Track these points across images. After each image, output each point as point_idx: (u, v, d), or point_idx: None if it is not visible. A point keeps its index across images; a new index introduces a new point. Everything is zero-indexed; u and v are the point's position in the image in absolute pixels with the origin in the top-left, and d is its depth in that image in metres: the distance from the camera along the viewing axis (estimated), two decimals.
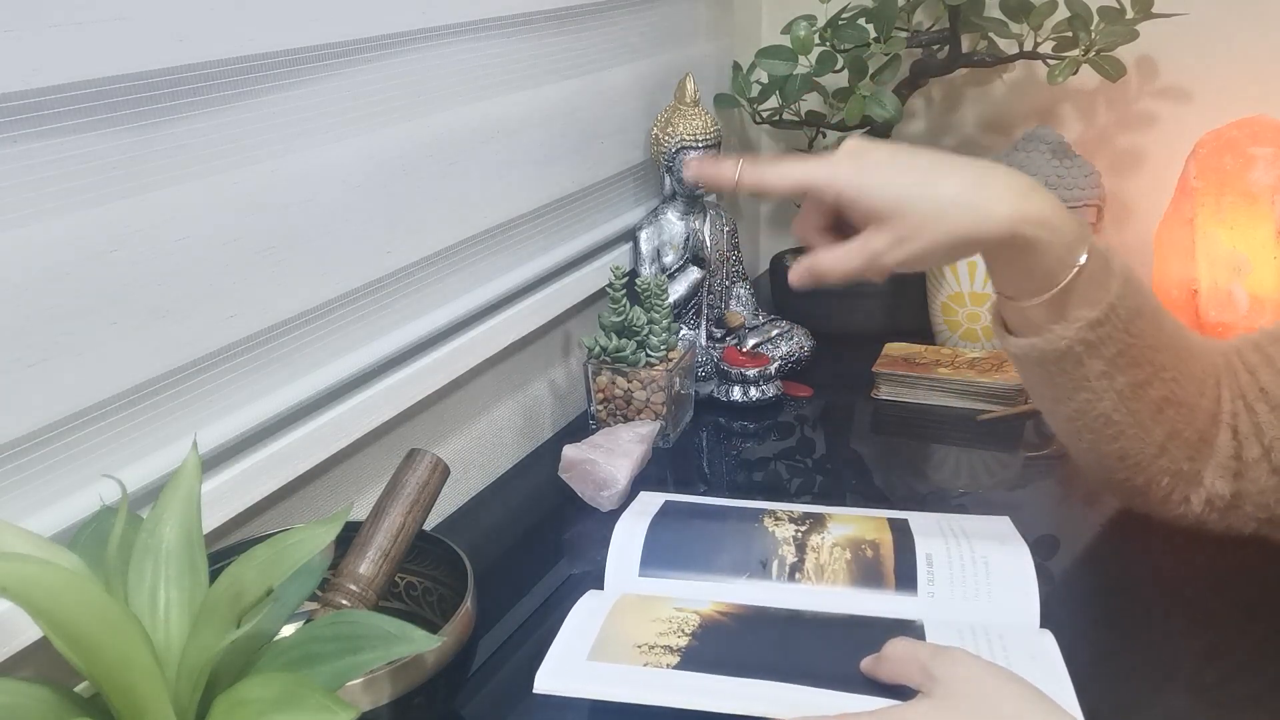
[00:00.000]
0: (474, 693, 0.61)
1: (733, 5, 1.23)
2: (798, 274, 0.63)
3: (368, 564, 0.59)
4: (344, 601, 0.58)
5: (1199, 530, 0.67)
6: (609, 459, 0.80)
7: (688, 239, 1.02)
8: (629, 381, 0.90)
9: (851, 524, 0.69)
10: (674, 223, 1.02)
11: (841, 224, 0.64)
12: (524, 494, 0.86)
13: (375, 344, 0.74)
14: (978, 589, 0.63)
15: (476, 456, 0.89)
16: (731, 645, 0.59)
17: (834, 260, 0.61)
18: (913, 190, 0.59)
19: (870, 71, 1.06)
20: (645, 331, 0.90)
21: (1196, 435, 0.64)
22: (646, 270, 1.01)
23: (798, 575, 0.65)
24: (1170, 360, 0.63)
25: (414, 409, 0.79)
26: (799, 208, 0.65)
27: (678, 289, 1.02)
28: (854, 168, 0.60)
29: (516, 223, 0.88)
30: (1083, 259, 0.59)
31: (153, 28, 0.55)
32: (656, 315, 0.90)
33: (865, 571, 0.65)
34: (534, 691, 0.56)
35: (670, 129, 0.99)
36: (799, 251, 1.25)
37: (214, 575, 0.44)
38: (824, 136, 1.19)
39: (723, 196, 1.29)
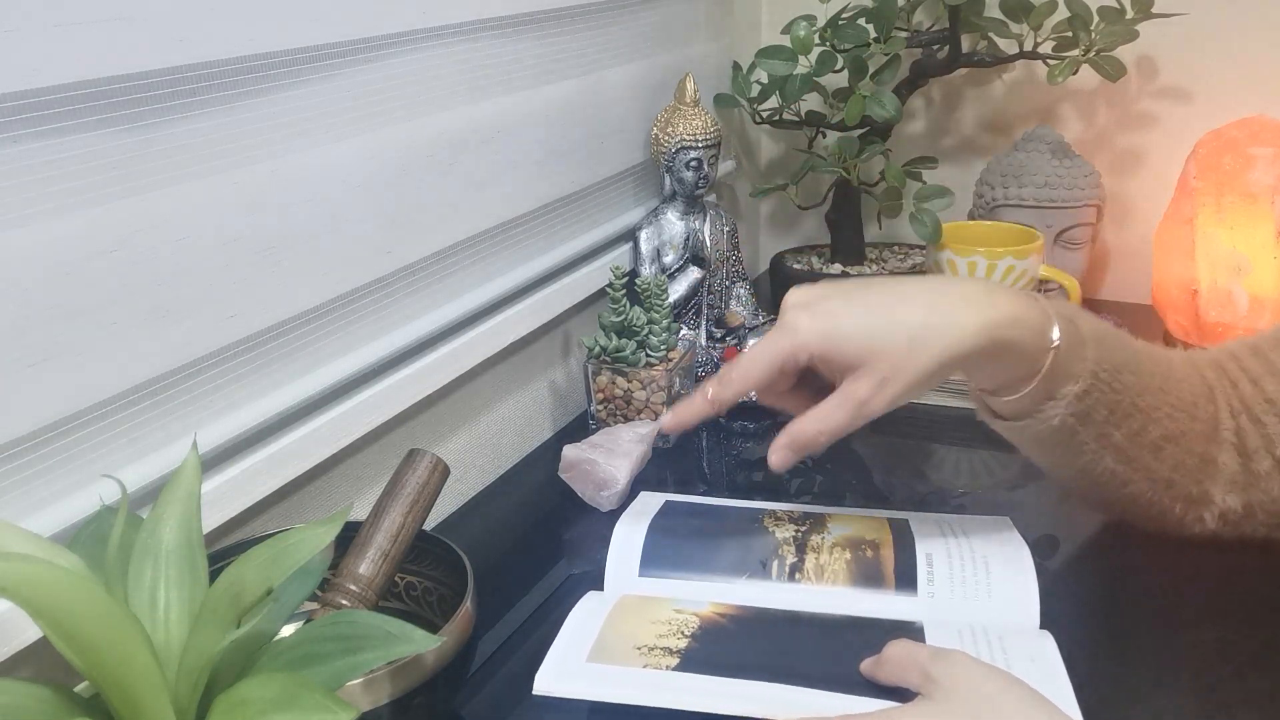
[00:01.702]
0: (474, 693, 0.61)
1: (733, 5, 1.23)
2: (781, 456, 0.60)
3: (368, 564, 0.59)
4: (344, 601, 0.58)
5: (1212, 541, 0.67)
6: (609, 459, 0.80)
7: (688, 239, 1.02)
8: (629, 381, 0.90)
9: (851, 524, 0.69)
10: (674, 223, 1.02)
11: (806, 379, 0.63)
12: (524, 494, 0.86)
13: (375, 344, 0.74)
14: (978, 589, 0.63)
15: (476, 456, 0.89)
16: (731, 647, 0.59)
17: (820, 422, 0.59)
18: (882, 328, 0.58)
19: (870, 71, 1.06)
20: (645, 331, 0.90)
21: (1198, 459, 0.64)
22: (646, 270, 1.01)
23: (798, 575, 0.65)
24: (1158, 400, 0.63)
25: (414, 409, 0.79)
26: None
27: (678, 289, 1.02)
28: (815, 324, 0.58)
29: (516, 223, 0.88)
30: (1056, 337, 0.59)
31: (153, 28, 0.55)
32: (656, 315, 0.90)
33: (865, 572, 0.65)
34: (533, 693, 0.56)
35: (670, 129, 0.99)
36: (799, 251, 1.25)
37: (214, 575, 0.44)
38: (824, 136, 1.19)
39: (722, 196, 1.29)
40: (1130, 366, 0.62)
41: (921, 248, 1.23)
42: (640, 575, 0.67)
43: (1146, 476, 0.64)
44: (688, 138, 0.98)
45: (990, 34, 1.09)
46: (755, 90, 1.14)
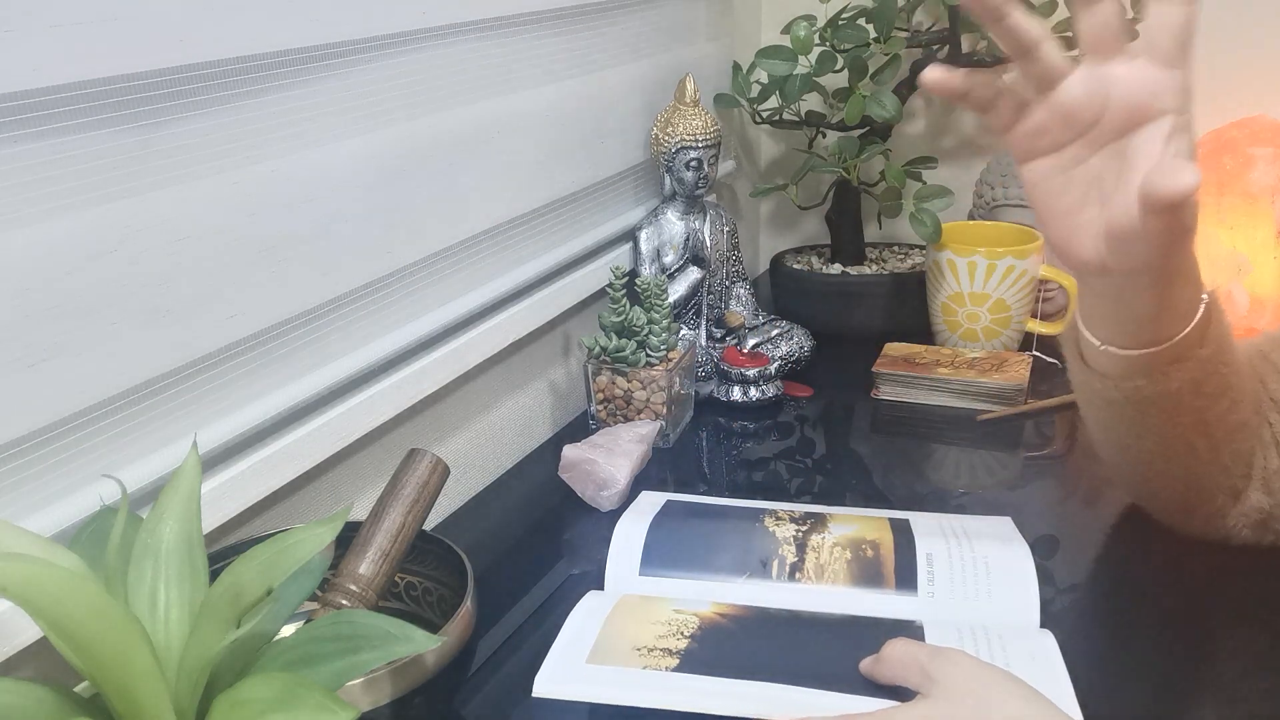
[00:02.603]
0: (474, 693, 0.61)
1: (733, 5, 1.23)
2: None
3: (368, 564, 0.59)
4: (344, 601, 0.58)
5: (1223, 543, 0.67)
6: (609, 459, 0.80)
7: (688, 239, 1.02)
8: (629, 381, 0.90)
9: (852, 524, 0.69)
10: (674, 223, 1.02)
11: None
12: (524, 494, 0.86)
13: (375, 344, 0.74)
14: (978, 589, 0.63)
15: (476, 456, 0.89)
16: (730, 647, 0.59)
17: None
18: None
19: (870, 71, 1.06)
20: (645, 331, 0.90)
21: (1249, 451, 0.64)
22: (646, 270, 1.01)
23: (798, 575, 0.65)
24: (1242, 384, 0.62)
25: (414, 409, 0.79)
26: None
27: (678, 289, 1.02)
28: None
29: (516, 223, 0.88)
30: (1205, 295, 0.58)
31: (153, 28, 0.55)
32: (656, 315, 0.90)
33: (865, 571, 0.65)
34: (533, 695, 0.56)
35: (670, 129, 0.99)
36: (799, 251, 1.25)
37: (214, 575, 0.44)
38: (824, 136, 1.19)
39: (722, 196, 1.29)
40: (1229, 343, 0.61)
41: (921, 248, 1.23)
42: (641, 574, 0.67)
43: (1214, 459, 0.63)
44: (688, 138, 0.98)
45: (990, 34, 1.09)
46: (755, 90, 1.14)
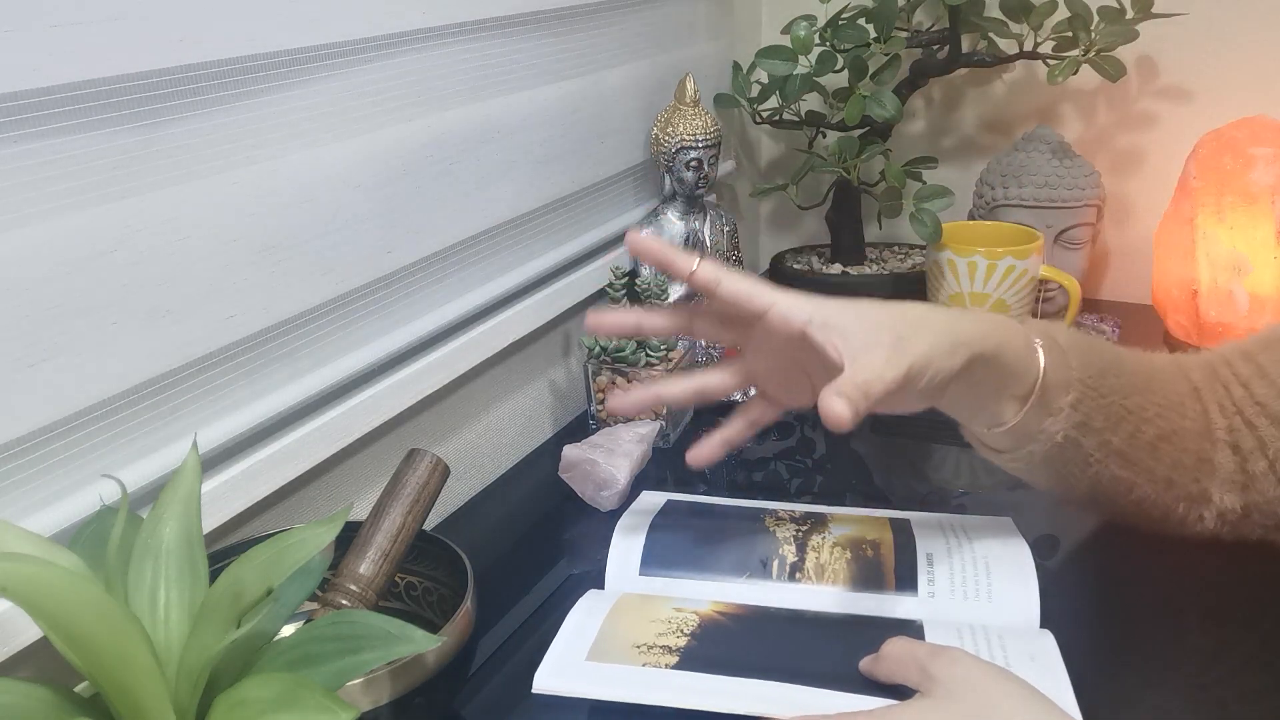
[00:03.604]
0: (474, 693, 0.61)
1: (733, 5, 1.23)
2: (841, 406, 0.53)
3: (368, 564, 0.59)
4: (344, 601, 0.58)
5: (1212, 542, 0.67)
6: (609, 459, 0.80)
7: (688, 239, 1.02)
8: (629, 381, 0.90)
9: (852, 524, 0.69)
10: (674, 223, 1.02)
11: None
12: (524, 494, 0.86)
13: (375, 344, 0.74)
14: (978, 589, 0.63)
15: (476, 456, 0.89)
16: (730, 645, 0.59)
17: (867, 370, 0.54)
18: (885, 315, 0.58)
19: (870, 71, 1.06)
20: None
21: (1194, 457, 0.64)
22: (646, 270, 1.01)
23: (798, 575, 0.65)
24: (1145, 400, 0.63)
25: (414, 409, 0.79)
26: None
27: (678, 289, 1.02)
28: (820, 307, 0.58)
29: (516, 223, 0.88)
30: (1038, 344, 0.60)
31: (153, 28, 0.55)
32: None
33: (865, 571, 0.65)
34: (533, 691, 0.56)
35: (670, 129, 0.99)
36: (799, 251, 1.25)
37: (214, 575, 0.44)
38: (824, 136, 1.19)
39: (722, 196, 1.29)
40: (1112, 370, 0.63)
41: (921, 248, 1.23)
42: (641, 574, 0.67)
43: (1149, 479, 0.64)
44: (688, 138, 0.98)
45: (990, 34, 1.09)
46: (755, 90, 1.14)
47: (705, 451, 0.65)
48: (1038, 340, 0.61)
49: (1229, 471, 0.64)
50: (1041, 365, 0.60)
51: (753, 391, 0.70)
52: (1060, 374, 0.60)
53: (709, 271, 0.60)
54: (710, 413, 0.96)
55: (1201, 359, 0.68)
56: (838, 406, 0.52)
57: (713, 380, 0.65)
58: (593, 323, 0.64)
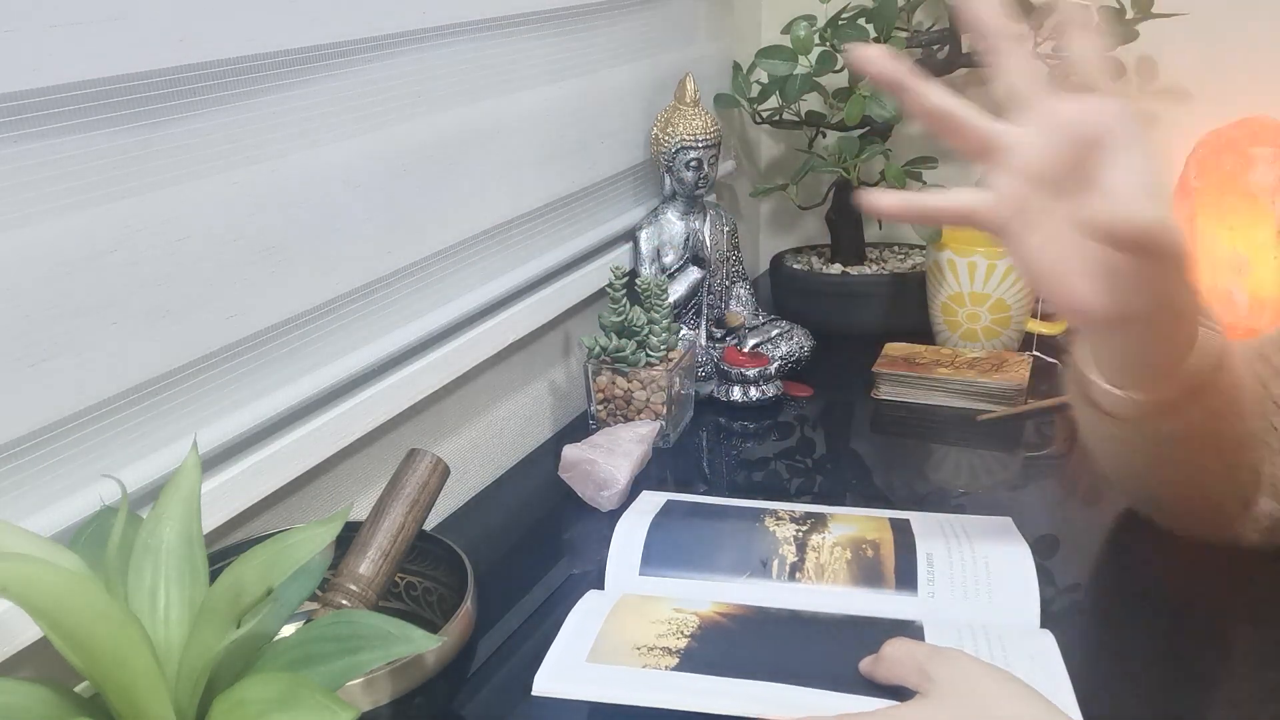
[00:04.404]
0: (474, 693, 0.61)
1: (733, 5, 1.23)
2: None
3: (368, 564, 0.59)
4: (344, 601, 0.58)
5: (1232, 547, 0.67)
6: (609, 459, 0.80)
7: (688, 239, 1.02)
8: (629, 381, 0.90)
9: (852, 524, 0.69)
10: (674, 223, 1.02)
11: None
12: (524, 494, 0.86)
13: (375, 344, 0.74)
14: (978, 589, 0.63)
15: (476, 456, 0.89)
16: (730, 646, 0.59)
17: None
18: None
19: None
20: (645, 331, 0.90)
21: (1258, 458, 0.64)
22: (646, 270, 1.01)
23: (798, 575, 0.65)
24: (1244, 394, 0.61)
25: (414, 409, 0.79)
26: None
27: (678, 289, 1.02)
28: None
29: (516, 223, 0.88)
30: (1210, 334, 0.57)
31: (153, 28, 0.55)
32: (656, 315, 0.90)
33: (865, 571, 0.65)
34: (533, 694, 0.56)
35: (670, 129, 0.99)
36: (799, 251, 1.25)
37: (214, 575, 0.44)
38: (824, 136, 1.19)
39: (722, 196, 1.29)
40: (1234, 358, 0.60)
41: (921, 248, 1.23)
42: (641, 574, 0.67)
43: (1228, 475, 0.62)
44: (688, 138, 0.98)
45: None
46: (755, 90, 1.14)
47: (888, 198, 0.54)
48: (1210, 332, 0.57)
49: (1268, 474, 0.64)
50: (1214, 333, 0.57)
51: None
52: (1219, 352, 0.57)
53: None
54: (711, 413, 0.97)
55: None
56: (1123, 211, 0.47)
57: (965, 197, 0.54)
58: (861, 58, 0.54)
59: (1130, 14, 1.01)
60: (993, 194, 0.53)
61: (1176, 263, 0.50)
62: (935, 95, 0.54)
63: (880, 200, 0.53)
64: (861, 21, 1.06)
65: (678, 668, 0.57)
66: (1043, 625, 0.61)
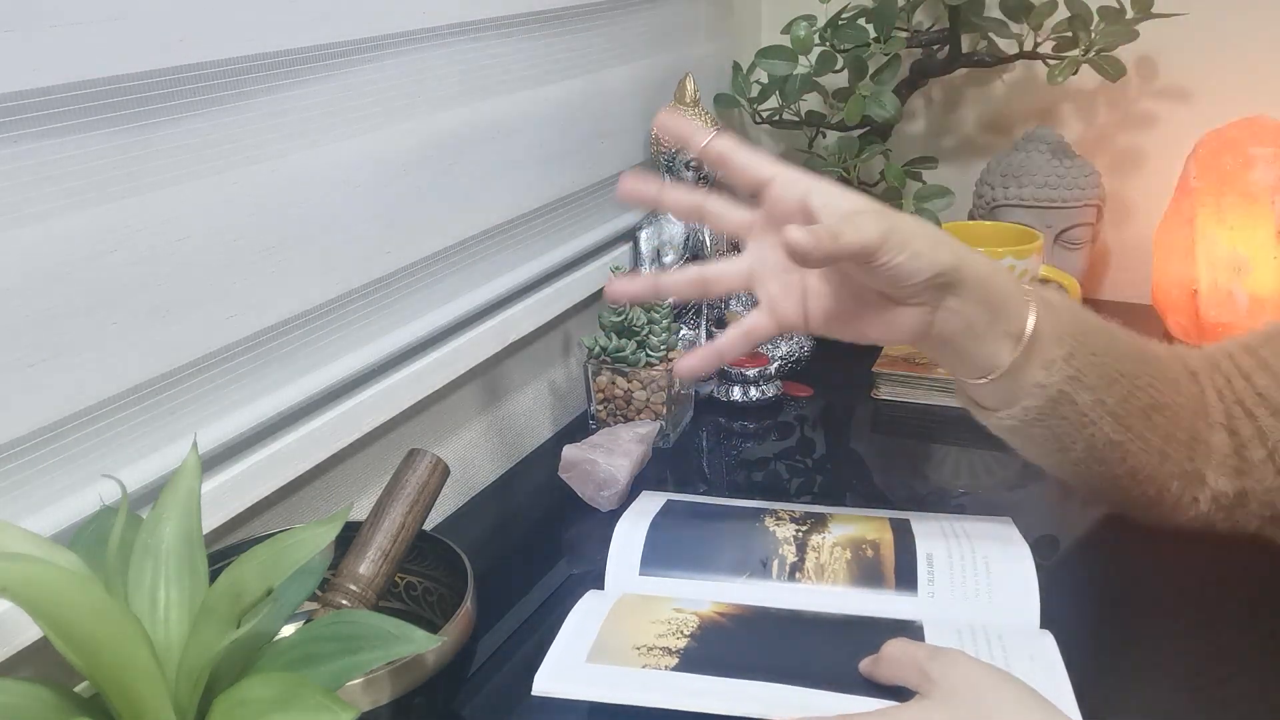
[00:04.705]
0: (474, 693, 0.61)
1: (733, 5, 1.23)
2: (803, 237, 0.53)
3: (368, 564, 0.59)
4: (344, 601, 0.58)
5: (1205, 530, 0.67)
6: (609, 459, 0.80)
7: (688, 239, 1.02)
8: (629, 381, 0.90)
9: (852, 524, 0.69)
10: (674, 223, 1.02)
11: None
12: (524, 494, 0.86)
13: (375, 344, 0.74)
14: (978, 589, 0.63)
15: (476, 456, 0.89)
16: (730, 646, 0.59)
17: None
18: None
19: (870, 71, 1.06)
20: (645, 331, 0.90)
21: (1188, 434, 0.64)
22: (646, 270, 1.01)
23: (798, 575, 0.65)
24: (1138, 369, 0.63)
25: (414, 409, 0.79)
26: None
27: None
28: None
29: (516, 223, 0.88)
30: (1029, 298, 0.60)
31: (153, 28, 0.55)
32: (656, 315, 0.90)
33: (865, 571, 0.65)
34: (533, 693, 0.56)
35: None
36: None
37: (214, 575, 0.44)
38: (824, 136, 1.19)
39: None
40: (1104, 333, 0.63)
41: None
42: (641, 574, 0.67)
43: (1143, 447, 0.63)
44: None
45: (990, 34, 1.09)
46: (755, 90, 1.14)
47: (695, 361, 0.61)
48: (1028, 290, 0.60)
49: (1224, 454, 0.65)
50: (1033, 311, 0.59)
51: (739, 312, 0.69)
52: (1052, 326, 0.60)
53: (723, 142, 0.61)
54: (711, 413, 0.97)
55: (1201, 352, 0.68)
56: (798, 234, 0.51)
57: (714, 270, 0.62)
58: (614, 292, 0.62)
59: (1130, 14, 1.01)
60: (761, 310, 0.62)
61: (907, 263, 0.55)
62: (684, 199, 0.63)
63: (688, 368, 0.62)
64: (861, 21, 1.06)
65: (677, 668, 0.57)
66: (1043, 625, 0.61)
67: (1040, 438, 0.64)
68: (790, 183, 0.59)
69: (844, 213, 0.56)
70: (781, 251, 0.59)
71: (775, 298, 0.62)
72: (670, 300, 0.97)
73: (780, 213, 0.60)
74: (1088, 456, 0.64)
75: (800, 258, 0.52)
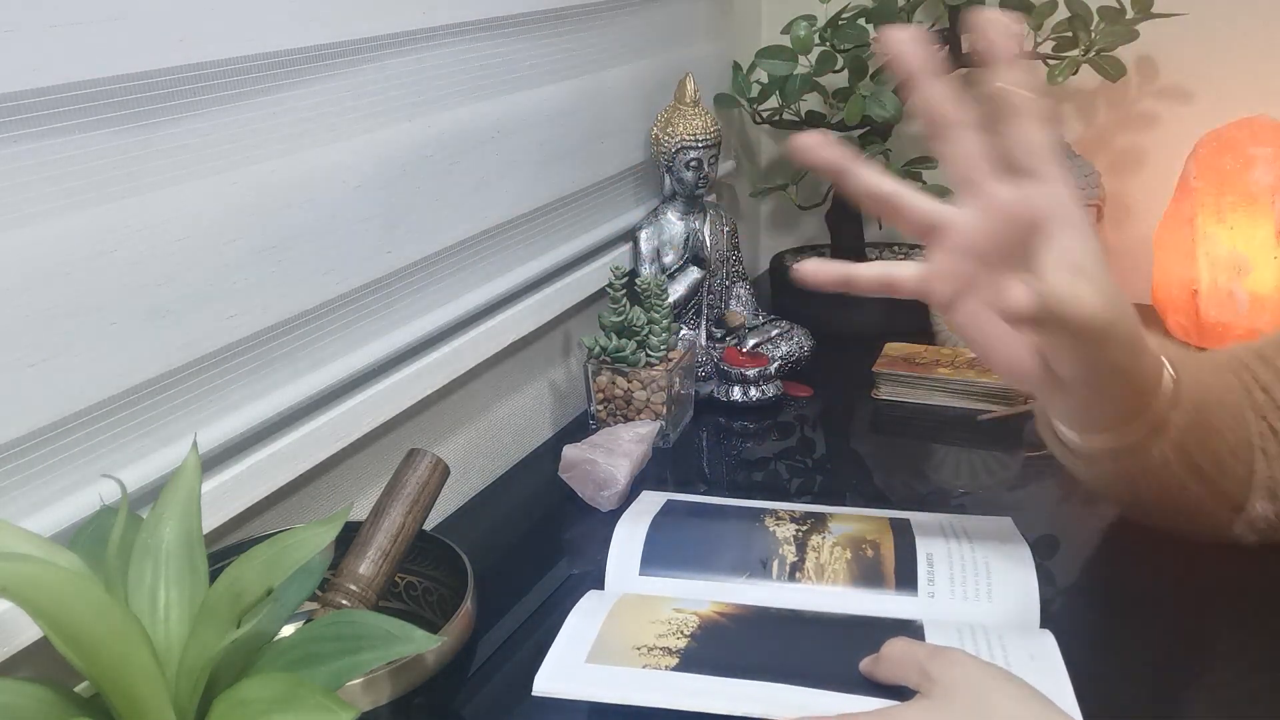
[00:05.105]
0: (474, 693, 0.61)
1: (733, 5, 1.23)
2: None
3: (368, 564, 0.59)
4: (344, 601, 0.58)
5: (1232, 546, 0.67)
6: (609, 459, 0.80)
7: (688, 239, 1.02)
8: (629, 381, 0.90)
9: (852, 524, 0.69)
10: (674, 223, 1.02)
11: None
12: (524, 494, 0.86)
13: (375, 344, 0.74)
14: (978, 589, 0.63)
15: (476, 456, 0.89)
16: (730, 646, 0.59)
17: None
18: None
19: (870, 71, 1.06)
20: (645, 331, 0.90)
21: (1245, 467, 0.64)
22: (646, 270, 1.01)
23: (798, 575, 0.65)
24: (1226, 414, 0.62)
25: (414, 409, 0.79)
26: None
27: (678, 289, 1.02)
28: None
29: (517, 222, 0.88)
30: (1165, 359, 0.58)
31: (153, 28, 0.55)
32: (656, 315, 0.90)
33: (865, 571, 0.65)
34: (533, 694, 0.56)
35: (670, 129, 0.99)
36: (799, 252, 1.25)
37: (214, 575, 0.44)
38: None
39: (722, 195, 1.29)
40: (1207, 387, 0.61)
41: (921, 248, 1.23)
42: (641, 574, 0.67)
43: (1213, 490, 0.63)
44: (688, 138, 0.98)
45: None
46: (755, 90, 1.14)
47: (820, 267, 0.57)
48: (1161, 353, 0.59)
49: (1262, 476, 0.64)
50: (1170, 373, 0.58)
51: None
52: (1177, 392, 0.59)
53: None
54: (711, 413, 0.97)
55: (1229, 358, 0.67)
56: (1022, 295, 0.48)
57: (902, 271, 0.57)
58: (806, 274, 0.58)
59: (1130, 14, 1.01)
60: (926, 268, 0.57)
61: (1103, 333, 0.53)
62: (874, 178, 0.56)
63: (815, 274, 0.57)
64: (861, 21, 1.06)
65: (678, 668, 0.57)
66: (1043, 625, 0.61)
67: (1120, 484, 0.64)
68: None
69: (1072, 273, 0.53)
70: (975, 264, 0.56)
71: (940, 276, 0.57)
72: (672, 299, 0.97)
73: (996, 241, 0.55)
74: (1158, 499, 0.64)
75: (1014, 312, 0.49)
